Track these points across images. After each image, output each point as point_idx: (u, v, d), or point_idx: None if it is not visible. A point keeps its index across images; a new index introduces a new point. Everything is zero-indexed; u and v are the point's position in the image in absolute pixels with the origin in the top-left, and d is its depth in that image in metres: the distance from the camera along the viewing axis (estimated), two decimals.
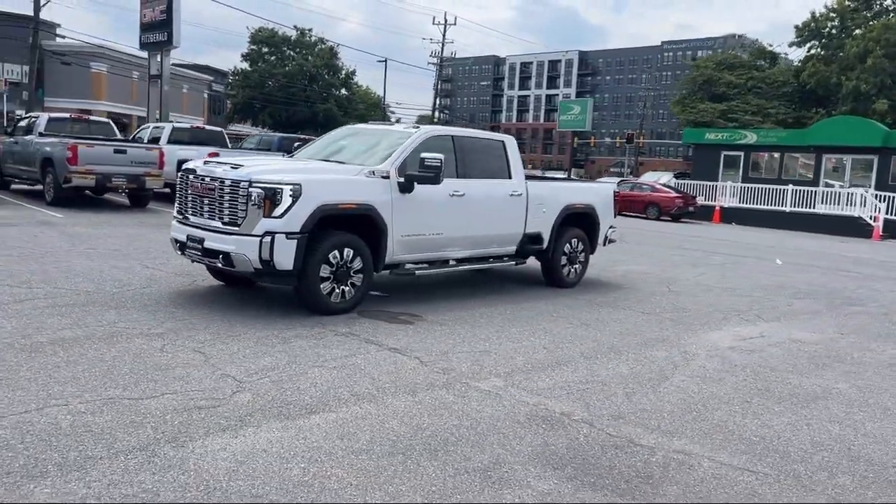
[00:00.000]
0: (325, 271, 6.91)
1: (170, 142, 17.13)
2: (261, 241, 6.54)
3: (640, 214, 27.56)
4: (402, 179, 7.42)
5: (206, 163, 7.45)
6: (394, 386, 5.07)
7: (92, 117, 18.31)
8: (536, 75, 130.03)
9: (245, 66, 67.62)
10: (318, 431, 4.16)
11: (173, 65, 79.54)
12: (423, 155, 7.44)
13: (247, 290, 7.99)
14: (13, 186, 17.49)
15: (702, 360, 6.47)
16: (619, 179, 34.48)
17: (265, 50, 67.45)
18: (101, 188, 14.45)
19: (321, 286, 6.92)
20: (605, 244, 10.35)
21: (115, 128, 17.24)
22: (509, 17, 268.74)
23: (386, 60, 61.47)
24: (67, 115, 17.46)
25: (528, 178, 9.38)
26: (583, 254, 9.87)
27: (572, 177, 43.16)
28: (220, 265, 6.93)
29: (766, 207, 27.70)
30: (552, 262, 9.55)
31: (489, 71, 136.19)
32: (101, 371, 4.92)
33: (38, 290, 7.23)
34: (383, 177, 7.34)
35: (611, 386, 5.47)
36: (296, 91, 63.62)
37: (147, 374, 4.93)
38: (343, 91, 69.60)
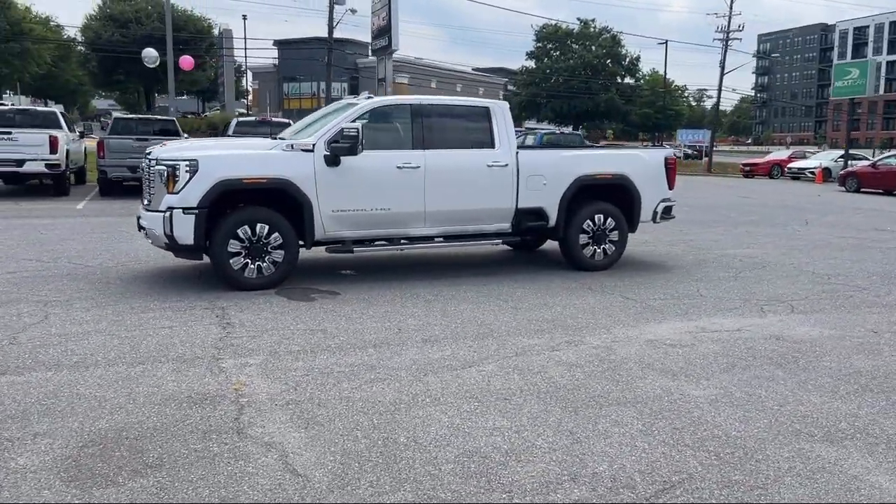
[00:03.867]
0: (234, 247, 6.95)
1: None
2: (163, 217, 6.81)
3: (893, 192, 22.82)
4: (327, 152, 7.15)
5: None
6: (145, 357, 4.96)
7: (275, 119, 20.29)
8: (874, 40, 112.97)
9: (531, 64, 69.06)
10: None
11: (473, 69, 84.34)
12: (343, 126, 7.12)
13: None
14: None
15: (573, 352, 5.30)
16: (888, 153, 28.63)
17: (549, 46, 68.14)
18: None
19: (231, 261, 6.97)
20: (656, 220, 8.82)
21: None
22: None
23: (666, 42, 58.09)
24: (254, 117, 19.59)
25: (526, 146, 8.40)
26: (615, 232, 8.54)
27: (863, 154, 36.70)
28: (148, 240, 7.35)
29: None
30: (565, 242, 8.44)
31: (814, 41, 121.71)
32: None
33: (54, 263, 8.26)
34: (305, 150, 7.16)
35: (368, 373, 4.76)
36: (576, 84, 63.32)
37: None
38: (627, 79, 67.55)
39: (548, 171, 8.14)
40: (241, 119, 18.61)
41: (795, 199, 21.19)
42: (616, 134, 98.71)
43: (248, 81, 75.82)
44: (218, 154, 7.06)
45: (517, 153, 8.03)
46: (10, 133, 15.22)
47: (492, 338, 5.63)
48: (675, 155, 9.03)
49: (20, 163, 15.26)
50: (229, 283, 7.03)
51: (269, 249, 7.08)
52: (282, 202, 7.14)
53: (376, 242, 7.74)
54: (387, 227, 7.60)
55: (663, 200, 8.81)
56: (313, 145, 7.18)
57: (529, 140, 20.65)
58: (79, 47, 62.30)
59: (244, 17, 59.00)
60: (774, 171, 34.92)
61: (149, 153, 7.45)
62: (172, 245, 6.92)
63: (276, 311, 6.29)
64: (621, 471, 3.39)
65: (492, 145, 7.97)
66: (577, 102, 63.89)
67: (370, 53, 28.41)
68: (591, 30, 66.65)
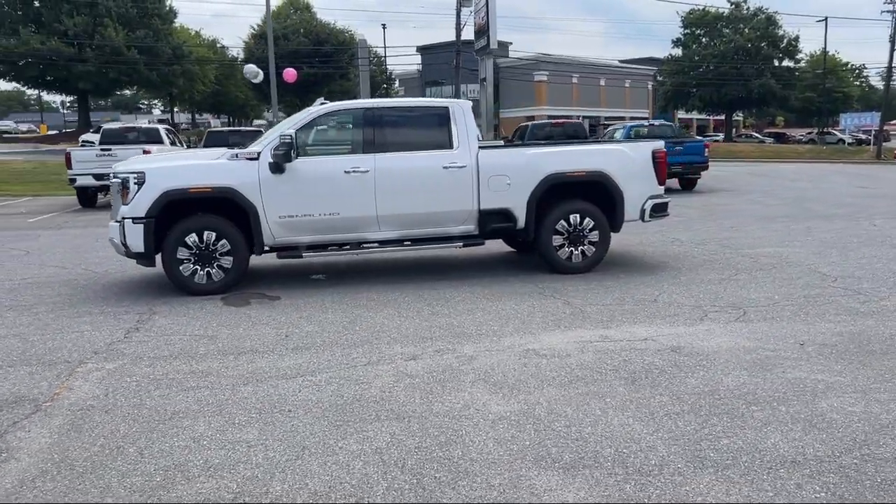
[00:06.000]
0: (183, 254, 7.28)
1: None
2: (119, 227, 7.27)
3: None
4: (271, 160, 7.31)
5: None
6: (19, 360, 5.32)
7: None
8: None
9: (677, 52, 66.06)
10: None
11: (620, 62, 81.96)
12: (281, 132, 7.26)
13: None
14: None
15: (429, 361, 5.10)
16: None
17: (698, 32, 64.82)
18: None
19: (181, 268, 7.30)
20: (644, 219, 8.20)
21: None
22: None
23: (826, 19, 53.40)
24: None
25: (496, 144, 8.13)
26: (594, 232, 8.04)
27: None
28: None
29: None
30: (537, 244, 8.06)
31: None
32: None
33: (70, 269, 9.03)
34: (250, 158, 7.36)
35: (194, 381, 4.84)
36: (726, 70, 59.71)
37: None
38: (785, 61, 62.72)
39: (512, 171, 7.82)
40: None
41: None
42: (787, 121, 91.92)
43: (395, 88, 78.10)
44: (164, 166, 7.41)
45: (478, 153, 7.77)
46: (109, 150, 16.74)
47: (367, 345, 5.51)
48: (663, 148, 8.33)
49: None
50: (180, 288, 7.36)
51: (218, 256, 7.32)
52: (229, 210, 7.36)
53: (343, 247, 7.77)
54: (338, 233, 7.62)
55: (652, 197, 8.18)
56: (258, 153, 7.35)
57: (618, 134, 19.77)
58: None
59: (383, 27, 60.75)
60: None
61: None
62: (128, 253, 7.34)
63: (195, 317, 6.50)
64: (299, 490, 3.23)
65: (450, 146, 7.77)
66: (728, 89, 60.19)
67: (475, 53, 28.32)
68: (744, 11, 62.56)
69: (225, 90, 73.59)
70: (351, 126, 7.78)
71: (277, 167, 7.27)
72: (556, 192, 7.95)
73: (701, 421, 3.90)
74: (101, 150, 16.70)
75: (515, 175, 7.80)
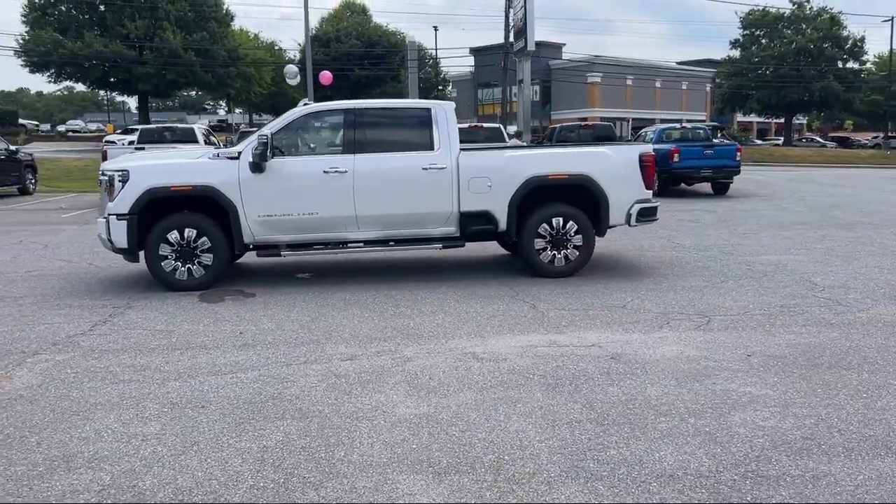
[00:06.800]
0: (165, 250, 7.46)
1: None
2: (105, 223, 7.50)
3: None
4: (251, 159, 7.43)
5: None
6: None
7: (485, 125, 20.71)
8: None
9: (735, 53, 64.40)
10: None
11: (678, 63, 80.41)
12: (260, 132, 7.38)
13: None
14: None
15: (363, 363, 5.11)
16: None
17: (758, 33, 63.10)
18: None
19: (162, 264, 7.48)
20: (631, 223, 8.03)
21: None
22: None
23: (893, 19, 51.34)
24: None
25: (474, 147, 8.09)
26: (578, 236, 7.91)
27: None
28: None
29: None
30: (518, 247, 7.99)
31: None
32: None
33: (75, 264, 9.36)
34: (230, 158, 7.49)
35: (129, 374, 4.96)
36: (786, 72, 57.94)
37: None
38: (850, 63, 60.50)
39: (493, 173, 7.76)
40: None
41: None
42: (857, 125, 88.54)
43: (448, 90, 78.30)
44: (147, 164, 7.60)
45: (459, 155, 7.73)
46: (143, 148, 17.24)
47: (314, 345, 5.56)
48: (651, 152, 8.14)
49: None
50: (163, 284, 7.53)
51: (199, 253, 7.47)
52: (210, 208, 7.50)
53: (328, 247, 7.84)
54: (318, 232, 7.68)
55: (639, 202, 8.00)
56: (239, 153, 7.48)
57: (650, 136, 19.41)
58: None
59: (435, 28, 61.13)
60: None
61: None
62: (113, 248, 7.55)
63: (166, 312, 6.65)
64: (166, 486, 3.27)
65: (431, 147, 7.75)
66: (788, 92, 58.39)
67: (514, 54, 28.15)
68: (807, 11, 60.61)
69: (283, 91, 74.88)
70: (332, 127, 7.86)
71: (257, 167, 7.38)
72: (538, 195, 7.86)
73: (600, 431, 3.80)
74: (136, 148, 17.21)
75: (496, 177, 7.74)
